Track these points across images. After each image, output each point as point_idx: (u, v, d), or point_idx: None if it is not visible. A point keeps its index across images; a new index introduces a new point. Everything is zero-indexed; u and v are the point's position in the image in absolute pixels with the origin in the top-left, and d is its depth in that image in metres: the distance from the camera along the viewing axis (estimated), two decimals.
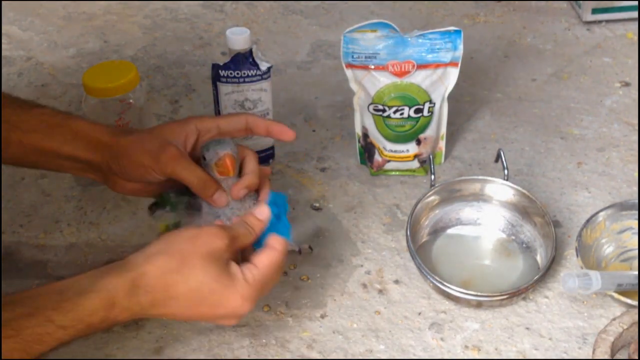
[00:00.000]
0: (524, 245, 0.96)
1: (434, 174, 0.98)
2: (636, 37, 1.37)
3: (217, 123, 0.88)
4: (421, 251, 0.95)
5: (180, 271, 0.72)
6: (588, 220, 0.93)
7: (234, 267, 0.75)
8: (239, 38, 1.01)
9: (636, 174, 1.08)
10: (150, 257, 0.73)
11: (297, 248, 0.94)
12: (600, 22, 1.41)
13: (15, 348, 0.65)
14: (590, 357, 0.80)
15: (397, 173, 1.09)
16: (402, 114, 1.03)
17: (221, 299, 0.74)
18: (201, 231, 0.75)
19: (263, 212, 0.81)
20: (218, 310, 0.74)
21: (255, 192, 0.86)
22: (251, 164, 0.86)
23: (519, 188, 0.97)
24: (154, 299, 0.72)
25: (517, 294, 0.87)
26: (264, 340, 0.86)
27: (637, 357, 0.80)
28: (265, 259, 0.77)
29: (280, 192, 0.83)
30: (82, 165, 0.87)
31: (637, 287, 0.86)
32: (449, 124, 1.08)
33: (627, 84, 1.26)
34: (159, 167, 0.83)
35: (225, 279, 0.74)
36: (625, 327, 0.80)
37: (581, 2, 1.41)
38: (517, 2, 1.50)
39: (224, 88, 1.03)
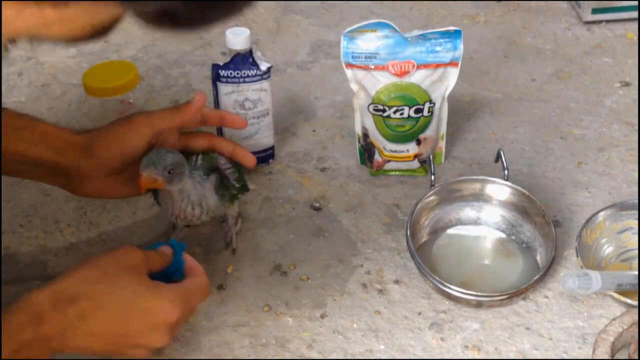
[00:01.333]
0: (524, 245, 0.96)
1: (434, 174, 0.98)
2: (636, 37, 1.37)
3: (174, 122, 0.91)
4: (421, 251, 0.95)
5: (103, 281, 0.72)
6: (588, 220, 0.93)
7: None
8: (239, 38, 1.01)
9: (636, 174, 1.08)
10: (71, 271, 0.73)
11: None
12: (600, 22, 1.41)
13: None
14: (590, 357, 0.80)
15: (397, 173, 1.09)
16: (402, 114, 1.03)
17: (149, 305, 0.73)
18: (118, 249, 0.76)
19: (168, 248, 0.82)
20: (148, 318, 0.73)
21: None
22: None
23: (519, 188, 0.97)
24: (82, 309, 0.70)
25: (517, 294, 0.87)
26: (264, 340, 0.86)
27: (637, 357, 0.80)
28: (188, 279, 0.79)
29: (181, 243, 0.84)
30: (47, 170, 0.87)
31: (637, 287, 0.86)
32: (449, 124, 1.08)
33: (627, 84, 1.26)
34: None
35: (150, 285, 0.74)
36: (625, 327, 0.80)
37: (581, 2, 1.41)
38: (517, 2, 1.50)
39: (224, 88, 1.03)
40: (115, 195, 0.94)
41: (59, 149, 0.87)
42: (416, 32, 1.01)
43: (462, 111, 1.20)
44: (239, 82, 1.02)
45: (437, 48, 1.01)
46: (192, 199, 0.90)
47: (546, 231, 0.93)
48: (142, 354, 0.76)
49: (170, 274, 0.80)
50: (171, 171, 0.86)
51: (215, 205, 0.92)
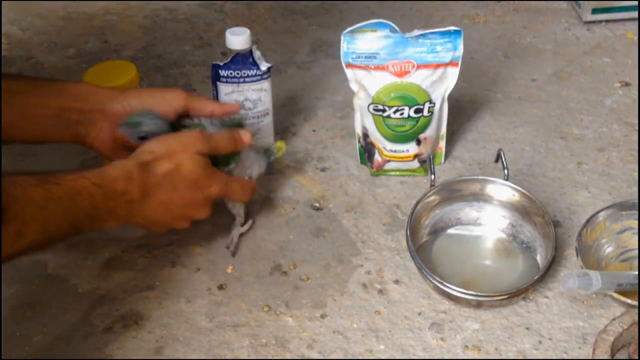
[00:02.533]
0: (524, 245, 0.96)
1: (434, 174, 0.98)
2: (636, 37, 1.37)
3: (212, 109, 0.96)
4: (421, 251, 0.95)
5: (174, 162, 0.84)
6: (588, 220, 0.93)
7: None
8: (239, 38, 1.01)
9: (636, 174, 1.08)
10: (148, 152, 0.84)
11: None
12: (600, 22, 1.41)
13: (62, 194, 0.74)
14: (590, 357, 0.80)
15: (397, 173, 1.09)
16: (402, 114, 1.03)
17: (206, 183, 0.87)
18: (185, 134, 0.89)
19: (246, 134, 0.93)
20: (203, 192, 0.87)
21: None
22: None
23: (519, 188, 0.97)
24: (159, 183, 0.83)
25: (517, 294, 0.87)
26: (264, 340, 0.86)
27: (637, 357, 0.80)
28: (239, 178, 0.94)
29: None
30: (67, 121, 0.90)
31: (637, 287, 0.86)
32: (449, 124, 1.08)
33: (627, 84, 1.26)
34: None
35: (209, 168, 0.88)
36: (625, 327, 0.80)
37: (581, 2, 1.41)
38: (517, 2, 1.50)
39: (224, 88, 1.03)
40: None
41: (82, 96, 0.91)
42: (416, 32, 1.01)
43: (462, 111, 1.20)
44: (239, 82, 1.02)
45: (437, 48, 1.01)
46: None
47: (546, 231, 0.93)
48: (184, 225, 0.90)
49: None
50: (144, 138, 0.88)
51: None
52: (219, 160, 0.91)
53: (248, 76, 1.02)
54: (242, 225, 0.99)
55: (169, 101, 0.93)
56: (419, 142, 1.06)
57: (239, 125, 0.95)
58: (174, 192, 0.85)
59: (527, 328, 0.87)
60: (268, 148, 1.01)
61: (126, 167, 0.81)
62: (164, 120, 0.91)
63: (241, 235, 0.98)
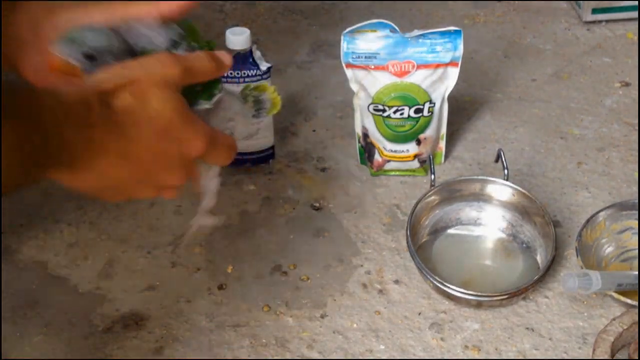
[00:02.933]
0: (524, 245, 0.96)
1: (434, 174, 0.98)
2: (636, 37, 1.37)
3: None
4: (421, 251, 0.95)
5: (142, 105, 0.63)
6: (588, 220, 0.94)
7: None
8: (239, 38, 1.01)
9: (636, 174, 1.08)
10: (109, 86, 0.62)
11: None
12: (600, 22, 1.41)
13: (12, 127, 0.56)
14: (590, 357, 0.80)
15: (397, 173, 1.09)
16: (402, 114, 1.03)
17: (185, 133, 0.65)
18: (148, 57, 0.66)
19: (225, 55, 0.70)
20: (179, 147, 0.65)
21: None
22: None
23: (519, 188, 0.97)
24: (122, 121, 0.62)
25: (517, 294, 0.87)
26: (264, 340, 0.86)
27: (637, 357, 0.80)
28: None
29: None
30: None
31: (637, 287, 0.86)
32: (449, 124, 1.08)
33: (627, 84, 1.26)
34: None
35: (185, 111, 0.65)
36: (625, 327, 0.80)
37: (581, 2, 1.41)
38: (517, 2, 1.49)
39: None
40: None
41: (12, 8, 0.72)
42: (416, 32, 1.01)
43: (462, 111, 1.20)
44: (238, 82, 1.02)
45: (437, 48, 1.01)
46: None
47: (546, 231, 0.93)
48: (148, 194, 0.68)
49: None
50: (92, 58, 0.66)
51: None
52: (197, 91, 0.69)
53: (248, 76, 1.02)
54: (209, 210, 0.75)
55: (98, 14, 0.69)
56: (419, 142, 1.06)
57: (209, 46, 0.72)
58: (137, 137, 0.63)
59: (527, 328, 0.87)
60: (257, 97, 0.79)
61: (84, 91, 0.61)
62: (116, 36, 0.67)
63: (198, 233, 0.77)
